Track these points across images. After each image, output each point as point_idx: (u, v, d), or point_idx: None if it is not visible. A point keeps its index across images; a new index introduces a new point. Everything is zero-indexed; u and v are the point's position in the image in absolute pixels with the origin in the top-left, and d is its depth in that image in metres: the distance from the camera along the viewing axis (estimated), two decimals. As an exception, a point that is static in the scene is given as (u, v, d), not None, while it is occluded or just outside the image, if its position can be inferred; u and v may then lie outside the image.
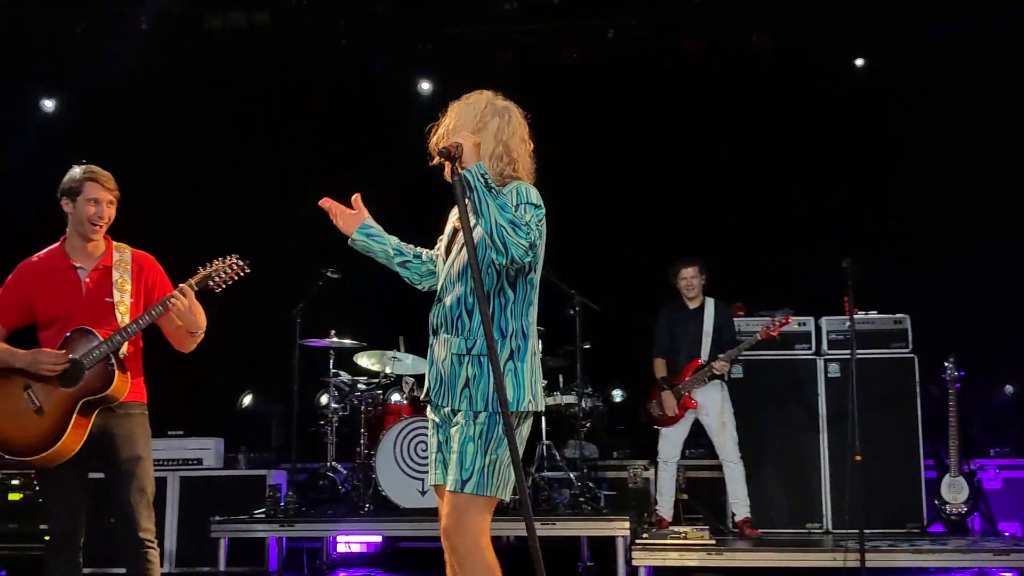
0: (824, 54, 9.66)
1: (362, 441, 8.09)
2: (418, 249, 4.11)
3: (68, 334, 4.54)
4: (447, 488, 3.65)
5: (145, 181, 10.19)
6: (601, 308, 8.07)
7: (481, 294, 3.44)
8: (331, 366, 8.40)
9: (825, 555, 6.92)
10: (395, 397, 8.32)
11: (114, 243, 4.80)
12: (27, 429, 4.43)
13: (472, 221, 3.51)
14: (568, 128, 9.99)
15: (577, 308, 7.87)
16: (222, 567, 7.49)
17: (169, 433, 8.64)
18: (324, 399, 8.49)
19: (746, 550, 7.14)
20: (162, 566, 8.28)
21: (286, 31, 9.66)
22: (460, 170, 3.48)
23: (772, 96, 9.64)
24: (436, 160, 3.56)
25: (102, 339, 4.51)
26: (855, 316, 7.01)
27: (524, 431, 3.75)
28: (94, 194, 4.65)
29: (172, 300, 4.52)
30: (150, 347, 8.03)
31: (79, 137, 10.19)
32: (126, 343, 4.58)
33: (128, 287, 4.69)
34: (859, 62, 9.73)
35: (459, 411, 3.66)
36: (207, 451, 8.45)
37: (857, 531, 6.51)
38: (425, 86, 10.20)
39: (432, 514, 7.35)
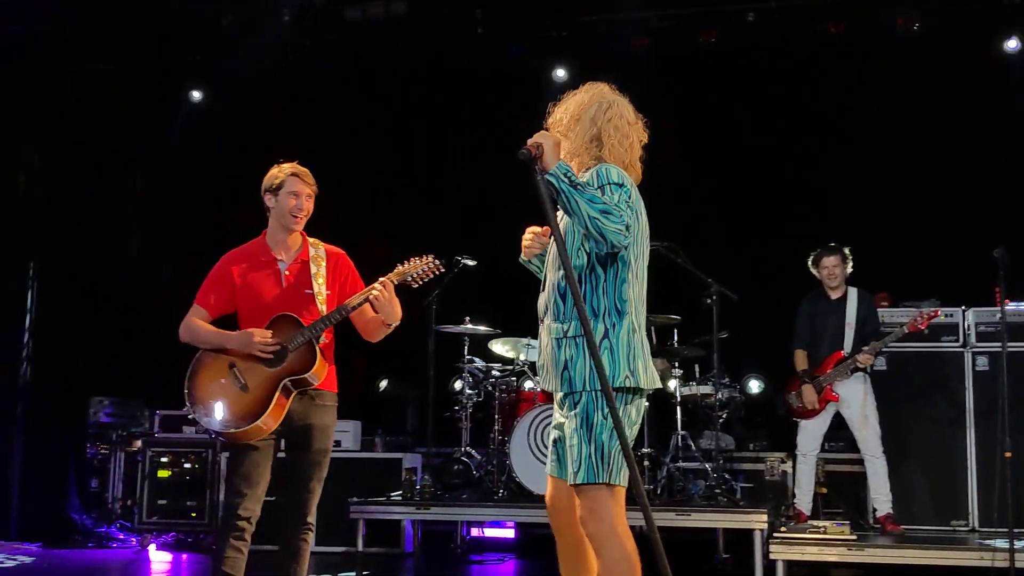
0: (974, 35, 9.28)
1: (496, 427, 8.15)
2: None
3: (271, 321, 4.77)
4: (563, 478, 3.78)
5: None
6: (739, 297, 7.95)
7: (572, 280, 3.45)
8: (465, 352, 8.47)
9: (971, 554, 6.69)
10: (528, 384, 8.33)
11: (309, 239, 5.03)
12: (232, 405, 4.68)
13: (564, 218, 3.65)
14: (705, 113, 9.87)
15: (714, 297, 7.76)
16: (360, 548, 7.63)
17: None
18: (458, 385, 8.57)
19: (888, 547, 6.96)
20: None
21: (422, 21, 9.73)
22: (540, 171, 3.52)
23: (918, 79, 9.32)
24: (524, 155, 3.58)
25: (305, 325, 4.75)
26: (1006, 307, 6.74)
27: (633, 412, 3.76)
28: (295, 188, 4.90)
29: (373, 292, 4.74)
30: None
31: (224, 127, 10.51)
32: (324, 333, 4.81)
33: (324, 280, 4.92)
34: (1011, 44, 9.30)
35: (565, 396, 3.75)
36: (345, 433, 8.64)
37: (1007, 530, 6.27)
38: (560, 74, 10.16)
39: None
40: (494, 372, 8.45)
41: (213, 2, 9.62)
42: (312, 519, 4.81)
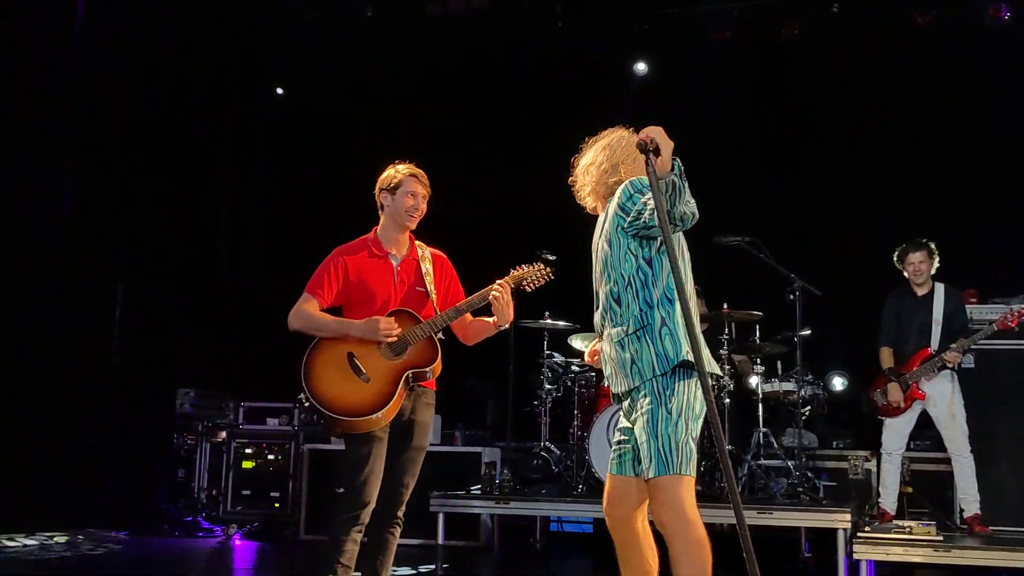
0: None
1: (575, 422, 8.14)
2: None
3: (391, 312, 4.82)
4: (636, 475, 4.01)
5: (366, 170, 10.59)
6: (823, 293, 7.83)
7: (673, 255, 3.66)
8: (545, 347, 8.47)
9: (1064, 557, 6.51)
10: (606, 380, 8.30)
11: (416, 242, 5.09)
12: (355, 394, 4.69)
13: (606, 224, 4.04)
14: (787, 106, 9.74)
15: (798, 293, 7.66)
16: (440, 540, 7.68)
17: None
18: (538, 380, 8.57)
19: (976, 548, 6.78)
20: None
21: (504, 16, 9.76)
22: (657, 162, 3.65)
23: (1007, 70, 9.09)
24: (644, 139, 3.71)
25: (423, 320, 4.83)
26: (1101, 304, 6.56)
27: (697, 394, 3.95)
28: (412, 188, 4.97)
29: (493, 293, 4.83)
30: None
31: (308, 122, 10.64)
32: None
33: (432, 281, 5.00)
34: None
35: (636, 391, 3.98)
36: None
37: (1101, 534, 6.11)
38: (641, 67, 10.12)
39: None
40: (573, 367, 8.44)
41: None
42: (402, 513, 4.87)
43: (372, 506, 4.73)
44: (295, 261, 10.69)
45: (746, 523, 3.36)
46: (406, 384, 4.76)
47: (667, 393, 3.90)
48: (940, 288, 7.51)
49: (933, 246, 7.52)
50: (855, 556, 6.65)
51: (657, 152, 3.64)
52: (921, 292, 7.52)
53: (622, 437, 4.14)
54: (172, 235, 10.11)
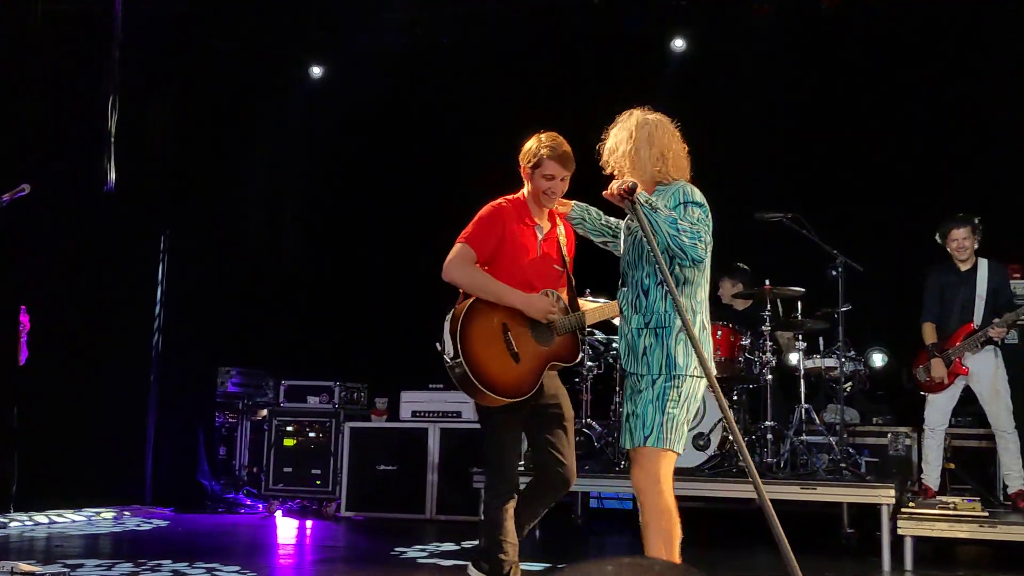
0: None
1: (616, 399, 8.15)
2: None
3: (540, 293, 4.73)
4: (632, 446, 4.28)
5: (404, 150, 10.63)
6: (864, 268, 7.79)
7: (674, 292, 4.11)
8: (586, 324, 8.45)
9: (1109, 533, 6.48)
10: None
11: (556, 214, 4.96)
12: (507, 371, 4.59)
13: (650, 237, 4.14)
14: (829, 81, 9.67)
15: (840, 269, 7.63)
16: (483, 517, 7.70)
17: (430, 386, 9.01)
18: (579, 356, 8.57)
19: (1021, 524, 6.77)
20: (424, 512, 8.70)
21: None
22: (635, 205, 4.11)
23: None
24: (612, 195, 4.22)
25: (571, 312, 4.79)
26: None
27: (699, 392, 4.31)
28: (551, 170, 4.77)
29: (615, 317, 4.75)
30: (413, 301, 8.33)
31: (344, 103, 10.67)
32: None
33: (566, 260, 4.91)
34: None
35: (642, 377, 4.30)
36: (466, 405, 8.74)
37: None
38: (679, 43, 10.07)
39: (688, 473, 7.40)
40: (615, 345, 8.44)
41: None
42: (573, 480, 4.86)
43: (515, 479, 4.71)
44: (332, 239, 10.89)
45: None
46: (544, 374, 4.69)
47: (677, 382, 4.24)
48: (984, 263, 7.46)
49: (977, 221, 7.45)
50: (899, 532, 6.65)
51: (631, 191, 4.08)
52: (964, 267, 7.47)
53: (632, 409, 4.35)
54: (210, 215, 10.17)
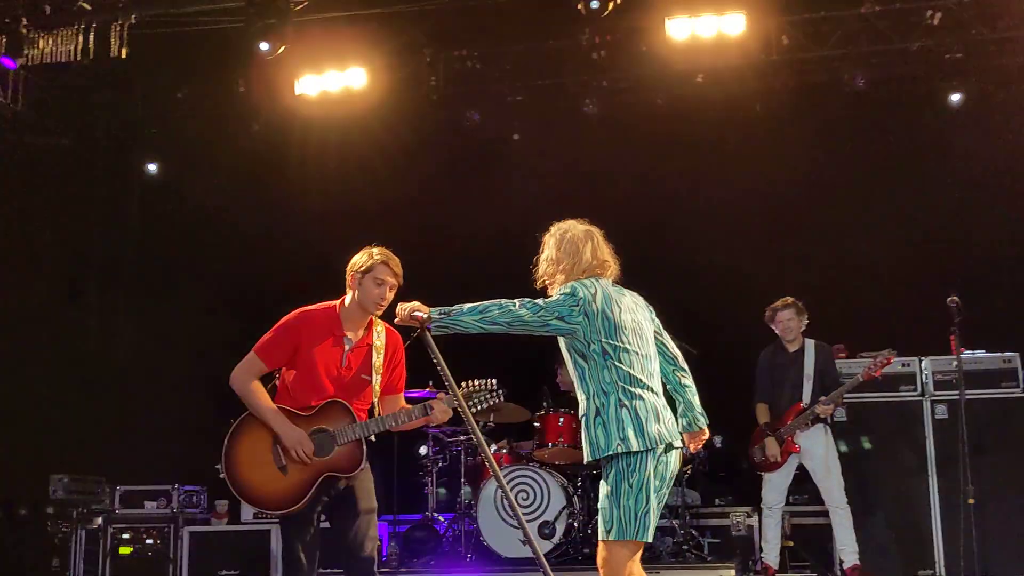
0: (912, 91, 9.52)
1: (462, 491, 8.11)
2: None
3: (326, 403, 4.74)
4: (600, 538, 4.37)
5: (240, 249, 10.49)
6: (698, 351, 7.97)
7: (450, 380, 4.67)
8: (429, 417, 8.41)
9: (940, 603, 6.71)
10: (494, 447, 8.30)
11: (375, 321, 4.95)
12: (269, 484, 4.66)
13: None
14: (643, 177, 9.96)
15: (674, 352, 7.79)
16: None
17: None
18: (423, 449, 8.52)
19: (857, 599, 6.95)
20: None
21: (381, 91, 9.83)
22: (428, 330, 4.35)
23: (863, 125, 9.51)
24: (403, 320, 4.41)
25: (358, 421, 4.75)
26: (962, 355, 6.83)
27: (653, 470, 4.31)
28: (381, 275, 4.81)
29: (433, 412, 4.81)
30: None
31: (178, 201, 10.49)
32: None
33: (380, 368, 4.89)
34: (954, 97, 9.51)
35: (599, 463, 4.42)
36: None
37: (973, 577, 6.31)
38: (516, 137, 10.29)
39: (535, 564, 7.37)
40: (459, 436, 8.41)
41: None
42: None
43: None
44: (167, 340, 10.61)
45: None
46: (322, 485, 4.68)
47: (627, 470, 4.29)
48: (811, 344, 7.76)
49: (801, 304, 7.76)
50: (741, 611, 6.75)
51: (421, 323, 4.29)
52: (792, 348, 7.76)
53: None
54: (41, 316, 9.81)
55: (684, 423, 4.69)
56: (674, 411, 4.61)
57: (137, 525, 9.09)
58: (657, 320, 4.78)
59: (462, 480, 8.15)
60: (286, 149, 10.22)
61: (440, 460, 8.37)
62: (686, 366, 4.78)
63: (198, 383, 10.40)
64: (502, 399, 4.85)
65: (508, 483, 7.71)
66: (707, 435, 4.84)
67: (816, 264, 9.46)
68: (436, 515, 8.37)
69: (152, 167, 10.76)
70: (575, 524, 7.68)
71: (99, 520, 9.37)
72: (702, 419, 4.73)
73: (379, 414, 4.89)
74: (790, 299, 7.78)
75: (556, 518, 7.62)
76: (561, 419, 7.88)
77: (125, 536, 9.08)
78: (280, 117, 9.99)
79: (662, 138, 9.80)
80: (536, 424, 7.99)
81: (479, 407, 4.82)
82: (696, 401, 4.73)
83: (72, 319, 10.47)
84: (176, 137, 10.42)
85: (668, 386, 4.69)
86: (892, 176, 9.55)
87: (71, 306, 10.44)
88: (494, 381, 4.82)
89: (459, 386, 4.70)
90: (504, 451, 8.18)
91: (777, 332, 7.78)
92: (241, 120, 10.10)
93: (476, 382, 4.81)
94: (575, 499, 7.73)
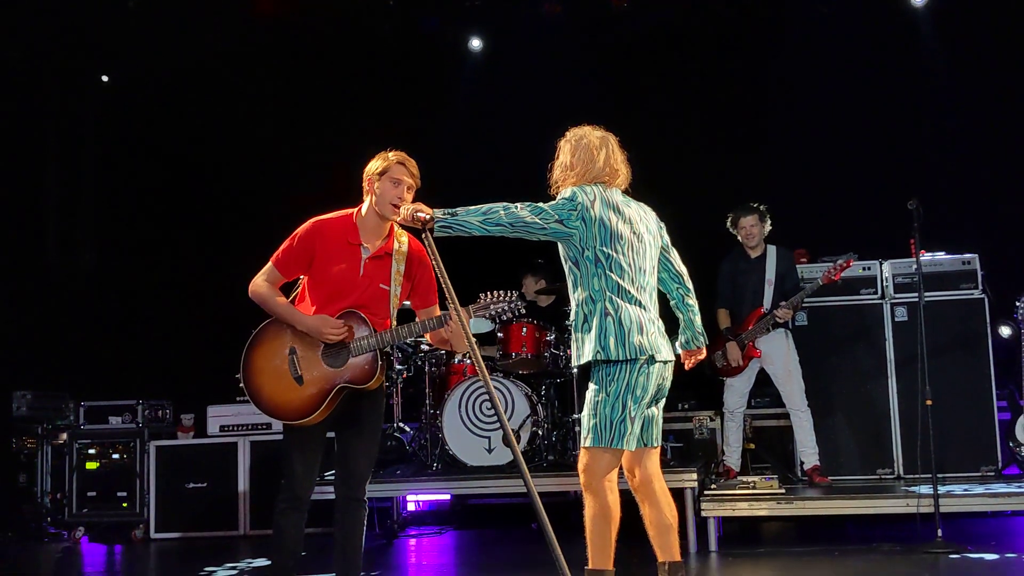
0: None
1: (427, 401, 8.15)
2: None
3: (342, 312, 4.67)
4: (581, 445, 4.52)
5: (206, 160, 10.35)
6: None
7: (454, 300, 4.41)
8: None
9: (898, 501, 6.86)
10: (458, 357, 8.32)
11: (396, 230, 4.87)
12: (284, 393, 4.64)
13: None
14: (620, 78, 9.89)
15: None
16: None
17: (238, 399, 8.78)
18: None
19: (816, 498, 7.10)
20: (238, 528, 8.50)
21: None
22: (431, 231, 4.31)
23: (824, 34, 9.44)
24: (405, 219, 4.42)
25: (375, 331, 4.67)
26: (922, 258, 6.88)
27: (639, 378, 4.41)
28: (398, 175, 4.73)
29: (448, 321, 4.69)
30: (215, 314, 8.14)
31: (136, 112, 10.31)
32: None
33: (400, 279, 4.81)
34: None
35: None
36: (276, 416, 8.55)
37: (930, 476, 6.44)
38: (476, 44, 10.14)
39: (497, 471, 7.47)
40: (423, 346, 8.42)
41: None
42: (364, 496, 4.84)
43: (307, 495, 4.75)
44: (129, 255, 10.51)
45: (536, 490, 3.72)
46: (336, 396, 4.64)
47: (604, 377, 4.41)
48: (772, 249, 7.78)
49: (764, 209, 7.77)
50: (703, 513, 6.88)
51: (427, 224, 4.27)
52: (754, 254, 7.78)
53: None
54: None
55: (683, 340, 4.83)
56: (676, 328, 4.72)
57: (103, 440, 9.09)
58: (667, 236, 4.82)
59: (426, 391, 8.18)
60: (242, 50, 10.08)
61: (405, 370, 8.39)
62: (691, 285, 4.82)
63: (162, 296, 10.37)
64: (523, 311, 4.79)
65: (472, 394, 7.76)
66: (704, 354, 4.96)
67: (777, 169, 9.45)
68: (401, 425, 8.41)
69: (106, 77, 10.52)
70: (539, 432, 7.75)
71: (64, 436, 9.36)
72: (701, 339, 4.85)
73: None
74: (753, 205, 7.78)
75: (520, 426, 7.68)
76: (524, 328, 7.89)
77: (91, 451, 9.08)
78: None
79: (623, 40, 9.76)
80: (500, 334, 8.01)
81: (500, 319, 4.76)
82: (698, 320, 4.83)
83: (31, 231, 10.32)
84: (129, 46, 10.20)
85: (672, 302, 4.80)
86: (853, 80, 9.50)
87: (30, 219, 10.28)
88: (514, 293, 4.74)
89: (478, 298, 4.68)
90: (468, 361, 8.20)
91: (740, 238, 7.79)
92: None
93: (497, 293, 4.73)
94: (539, 407, 7.79)
